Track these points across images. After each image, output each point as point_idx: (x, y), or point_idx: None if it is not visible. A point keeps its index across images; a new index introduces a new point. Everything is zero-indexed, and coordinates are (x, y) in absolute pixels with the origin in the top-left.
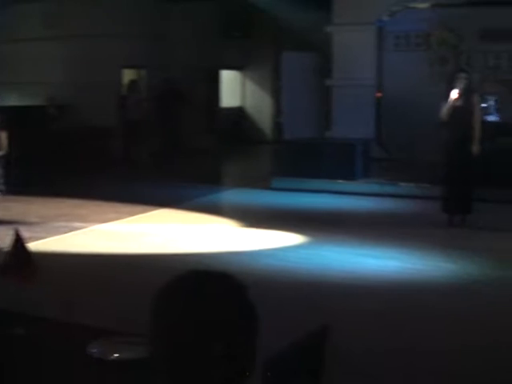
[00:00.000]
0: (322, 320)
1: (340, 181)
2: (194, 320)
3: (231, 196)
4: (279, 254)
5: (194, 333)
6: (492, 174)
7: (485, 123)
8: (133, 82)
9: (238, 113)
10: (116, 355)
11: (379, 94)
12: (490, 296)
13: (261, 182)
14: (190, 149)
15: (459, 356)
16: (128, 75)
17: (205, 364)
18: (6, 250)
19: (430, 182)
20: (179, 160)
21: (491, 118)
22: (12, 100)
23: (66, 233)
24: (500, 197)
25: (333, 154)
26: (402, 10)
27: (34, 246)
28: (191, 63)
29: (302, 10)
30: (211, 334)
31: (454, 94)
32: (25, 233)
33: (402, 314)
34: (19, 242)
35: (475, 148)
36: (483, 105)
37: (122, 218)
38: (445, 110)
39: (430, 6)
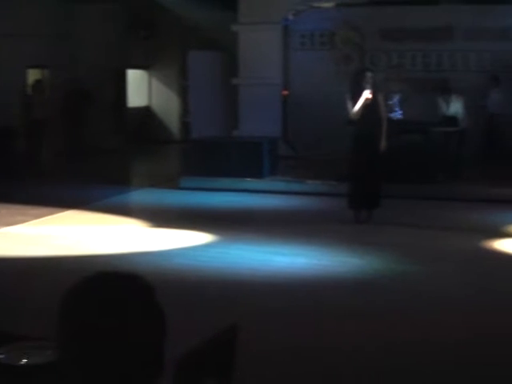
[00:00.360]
0: (232, 318)
1: (248, 179)
2: (102, 321)
3: (139, 196)
4: (189, 253)
5: (101, 334)
6: (396, 171)
7: (389, 121)
8: (37, 82)
9: (145, 112)
10: (24, 360)
11: (285, 93)
12: (395, 290)
13: (169, 182)
14: (97, 149)
15: (361, 353)
16: (33, 75)
17: (113, 365)
18: None
19: (337, 180)
20: (86, 160)
21: (395, 116)
22: None
23: None
24: (405, 192)
25: (240, 153)
26: (307, 9)
27: None
28: (97, 63)
29: (209, 9)
30: (119, 335)
31: (367, 93)
32: None
33: (310, 311)
34: None
35: (381, 145)
36: (394, 101)
37: (29, 221)
38: (356, 109)
39: (334, 6)
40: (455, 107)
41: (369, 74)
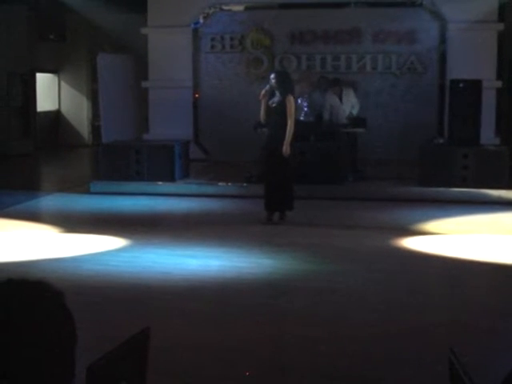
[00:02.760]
0: (145, 322)
1: (159, 182)
2: (9, 329)
3: (50, 201)
4: (100, 258)
5: (9, 342)
6: (308, 172)
7: (300, 123)
8: None
9: (55, 116)
10: None
11: (196, 96)
12: (308, 290)
13: (79, 187)
14: (6, 154)
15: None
16: None
17: (23, 372)
18: None
19: (247, 181)
20: None
21: (304, 118)
22: None
23: None
24: (316, 193)
25: (151, 156)
26: (217, 12)
27: None
28: (5, 66)
29: (119, 12)
30: (28, 342)
31: (265, 95)
32: None
33: (224, 313)
34: None
35: (284, 148)
36: (304, 103)
37: None
38: (262, 112)
39: (244, 9)
40: (349, 99)
41: (272, 76)
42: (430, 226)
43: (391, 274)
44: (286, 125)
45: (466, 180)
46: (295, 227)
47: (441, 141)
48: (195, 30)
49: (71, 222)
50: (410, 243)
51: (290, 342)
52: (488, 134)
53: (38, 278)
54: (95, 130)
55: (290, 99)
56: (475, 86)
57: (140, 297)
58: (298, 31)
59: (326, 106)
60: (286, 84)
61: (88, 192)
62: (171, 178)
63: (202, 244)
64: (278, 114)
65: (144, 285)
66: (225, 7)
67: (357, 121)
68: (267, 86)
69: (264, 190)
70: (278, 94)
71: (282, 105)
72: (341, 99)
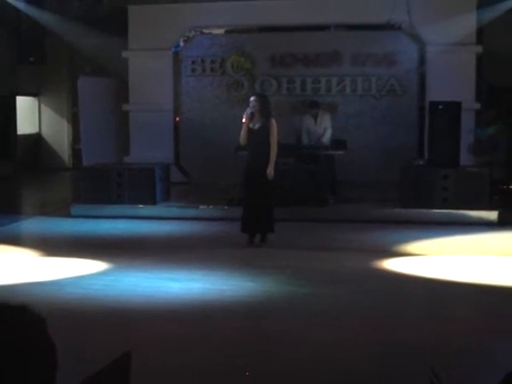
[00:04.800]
0: (128, 346)
1: (140, 205)
2: None
3: (30, 225)
4: (82, 282)
5: None
6: (289, 194)
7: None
8: None
9: (36, 140)
10: None
11: (177, 119)
12: (289, 312)
13: (60, 210)
14: None
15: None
16: None
17: None
18: None
19: (229, 204)
20: None
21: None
22: None
23: None
24: (297, 216)
25: (132, 179)
26: (197, 35)
27: None
28: None
29: (100, 36)
30: (9, 369)
31: (246, 117)
32: None
33: (206, 336)
34: None
35: (268, 171)
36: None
37: None
38: (242, 134)
39: (224, 32)
40: (323, 123)
41: (252, 99)
42: (411, 247)
43: (372, 296)
44: (268, 147)
45: (446, 201)
46: (276, 250)
47: (421, 162)
48: (176, 54)
49: (52, 246)
50: (391, 265)
51: (271, 365)
52: (467, 156)
53: (20, 303)
54: (76, 153)
55: (273, 122)
56: (454, 107)
57: (122, 320)
58: (278, 54)
59: (303, 129)
60: (267, 107)
61: (69, 215)
62: (152, 201)
63: (183, 267)
64: (260, 137)
65: (126, 308)
66: (205, 30)
67: (337, 143)
68: (249, 110)
69: (244, 213)
70: (258, 116)
71: (265, 128)
72: (316, 121)
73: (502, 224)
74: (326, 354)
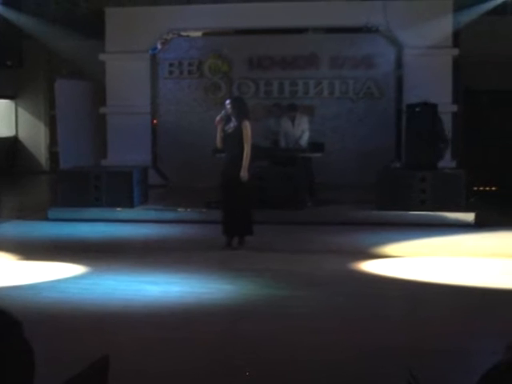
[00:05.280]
0: (106, 350)
1: (118, 209)
2: None
3: (7, 228)
4: (59, 285)
5: None
6: (267, 196)
7: (257, 148)
8: None
9: (13, 143)
10: None
11: (155, 121)
12: (268, 315)
13: (37, 213)
14: None
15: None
16: None
17: None
18: None
19: (207, 207)
20: None
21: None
22: None
23: None
24: (276, 218)
25: (110, 182)
26: (175, 38)
27: None
28: None
29: (77, 39)
30: None
31: (222, 120)
32: None
33: (185, 339)
34: None
35: (242, 172)
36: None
37: None
38: (217, 137)
39: (202, 35)
40: (301, 125)
41: (228, 102)
42: (389, 249)
43: (351, 298)
44: (242, 150)
45: (423, 203)
46: (254, 252)
47: (398, 165)
48: (153, 56)
49: (29, 250)
50: (369, 267)
51: (250, 368)
52: (445, 158)
53: None
54: (53, 156)
55: (246, 124)
56: (431, 110)
57: (100, 324)
58: (255, 57)
59: (281, 132)
60: (241, 109)
61: (46, 219)
62: (130, 204)
63: (161, 270)
64: (234, 140)
65: (104, 312)
66: (183, 33)
67: (314, 146)
68: (223, 112)
69: (222, 215)
70: (233, 119)
71: (238, 130)
72: (294, 124)
73: (479, 225)
74: (306, 357)
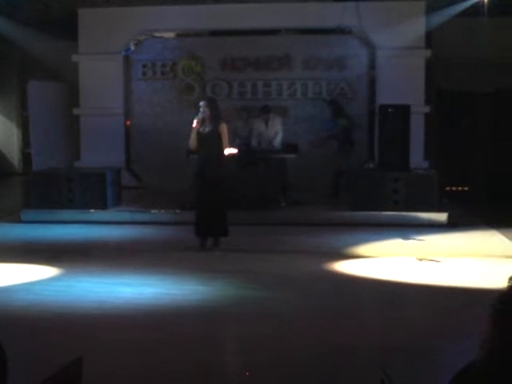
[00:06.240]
0: (80, 352)
1: (91, 210)
2: None
3: None
4: (32, 288)
5: None
6: (241, 198)
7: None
8: None
9: None
10: None
11: (128, 123)
12: (243, 316)
13: (10, 215)
14: None
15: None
16: None
17: None
18: None
19: (181, 208)
20: None
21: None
22: None
23: None
24: (250, 219)
25: (83, 184)
26: (148, 39)
27: None
28: None
29: (50, 40)
30: None
31: (197, 122)
32: None
33: (159, 341)
34: None
35: (220, 174)
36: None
37: None
38: (191, 138)
39: (175, 36)
40: (274, 126)
41: (202, 103)
42: (363, 249)
43: (325, 298)
44: (218, 151)
45: (396, 204)
46: (229, 253)
47: (371, 165)
48: (126, 57)
49: (2, 252)
50: (343, 267)
51: (223, 369)
52: (417, 158)
53: None
54: (26, 157)
55: (224, 126)
56: (404, 111)
57: (73, 326)
58: (229, 58)
59: (253, 133)
60: (216, 111)
61: (19, 221)
62: (103, 206)
63: (135, 272)
64: (210, 141)
65: (78, 314)
66: (156, 34)
67: (288, 147)
68: (200, 115)
69: (196, 217)
70: (208, 121)
71: (215, 132)
72: (268, 125)
73: (452, 225)
74: (280, 357)
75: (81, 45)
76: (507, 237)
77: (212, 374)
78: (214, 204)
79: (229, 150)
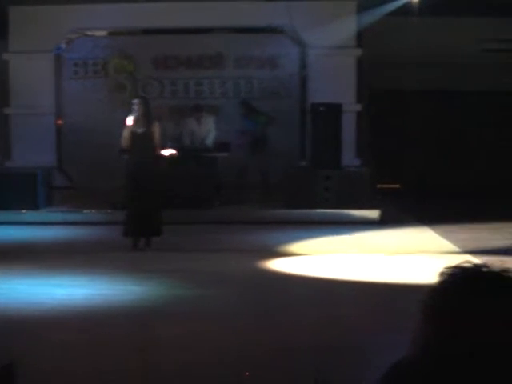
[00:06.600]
0: (12, 355)
1: (23, 211)
2: None
3: None
4: None
5: None
6: (174, 197)
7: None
8: None
9: None
10: None
11: (60, 122)
12: (175, 316)
13: None
14: None
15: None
16: None
17: None
18: None
19: (113, 208)
20: None
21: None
22: None
23: None
24: (184, 218)
25: (14, 184)
26: (80, 37)
27: None
28: None
29: None
30: None
31: (129, 121)
32: None
33: (92, 342)
34: None
35: (154, 173)
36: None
37: None
38: (124, 137)
39: (107, 34)
40: (207, 125)
41: (135, 102)
42: (296, 247)
43: (259, 296)
44: (152, 151)
45: (328, 201)
46: (162, 253)
47: (303, 163)
48: (57, 56)
49: None
50: (277, 265)
51: (158, 368)
52: (349, 156)
53: None
54: None
55: (157, 125)
56: (335, 109)
57: (5, 330)
58: (161, 56)
59: (186, 132)
60: (149, 110)
61: None
62: (34, 206)
63: (67, 272)
64: (144, 141)
65: (7, 315)
66: (88, 33)
67: (220, 145)
68: (134, 114)
69: (128, 217)
70: (142, 120)
71: (149, 131)
72: (200, 124)
73: (383, 222)
74: (214, 357)
75: (11, 43)
76: (438, 233)
77: (143, 374)
78: (147, 203)
79: (168, 151)
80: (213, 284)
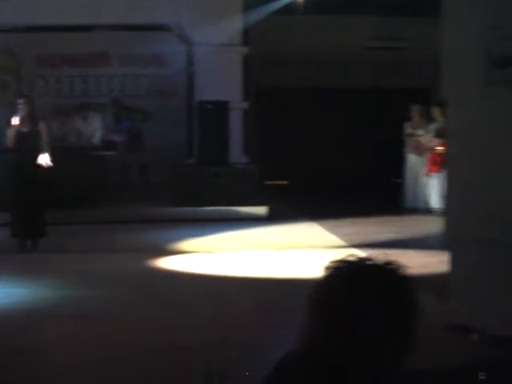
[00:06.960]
0: None
1: None
2: None
3: None
4: None
5: None
6: (59, 197)
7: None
8: None
9: None
10: None
11: None
12: (62, 317)
13: None
14: None
15: None
16: None
17: None
18: None
19: None
20: None
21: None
22: None
23: None
24: (69, 219)
25: None
26: None
27: None
28: None
29: None
30: None
31: (16, 120)
32: None
33: None
34: None
35: (39, 173)
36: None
37: None
38: (9, 137)
39: None
40: (93, 124)
41: (21, 101)
42: (185, 245)
43: (149, 296)
44: (38, 150)
45: (217, 198)
46: (48, 254)
47: (191, 161)
48: None
49: None
50: (166, 263)
51: (46, 371)
52: (236, 154)
53: None
54: None
55: (43, 125)
56: (222, 107)
57: None
58: (45, 54)
59: (72, 130)
60: (35, 110)
61: None
62: None
63: None
64: (29, 140)
65: None
66: None
67: (107, 144)
68: (20, 113)
69: (13, 217)
70: (27, 119)
71: (35, 131)
72: (87, 123)
73: (271, 219)
74: (104, 356)
75: None
76: (325, 228)
77: (20, 378)
78: (31, 204)
79: (44, 159)
80: (99, 284)
